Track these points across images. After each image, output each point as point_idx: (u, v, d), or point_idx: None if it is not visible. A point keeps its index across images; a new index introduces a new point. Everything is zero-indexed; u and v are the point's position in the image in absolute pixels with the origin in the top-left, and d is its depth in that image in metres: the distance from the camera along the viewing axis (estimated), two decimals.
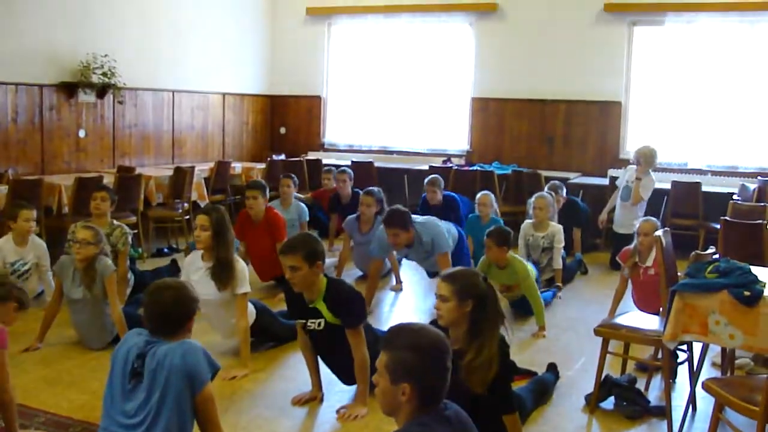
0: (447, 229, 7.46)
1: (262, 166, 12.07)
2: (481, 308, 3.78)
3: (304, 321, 5.02)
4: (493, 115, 12.36)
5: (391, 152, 13.03)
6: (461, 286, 3.79)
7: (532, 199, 8.20)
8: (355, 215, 8.35)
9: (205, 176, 10.95)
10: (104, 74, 10.21)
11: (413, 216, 7.21)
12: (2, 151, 9.36)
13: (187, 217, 10.12)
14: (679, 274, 4.98)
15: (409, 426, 2.73)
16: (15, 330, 4.99)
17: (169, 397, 3.46)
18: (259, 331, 6.13)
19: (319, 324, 4.92)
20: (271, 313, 6.34)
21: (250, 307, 5.99)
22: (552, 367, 5.62)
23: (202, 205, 9.82)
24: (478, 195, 8.77)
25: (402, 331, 2.87)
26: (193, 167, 10.46)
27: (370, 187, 8.42)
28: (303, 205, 8.96)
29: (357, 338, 4.88)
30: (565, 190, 9.44)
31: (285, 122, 13.96)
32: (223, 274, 5.69)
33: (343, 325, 4.88)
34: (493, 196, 8.90)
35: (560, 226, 8.11)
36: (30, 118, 9.68)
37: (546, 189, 9.07)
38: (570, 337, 6.61)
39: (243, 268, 5.78)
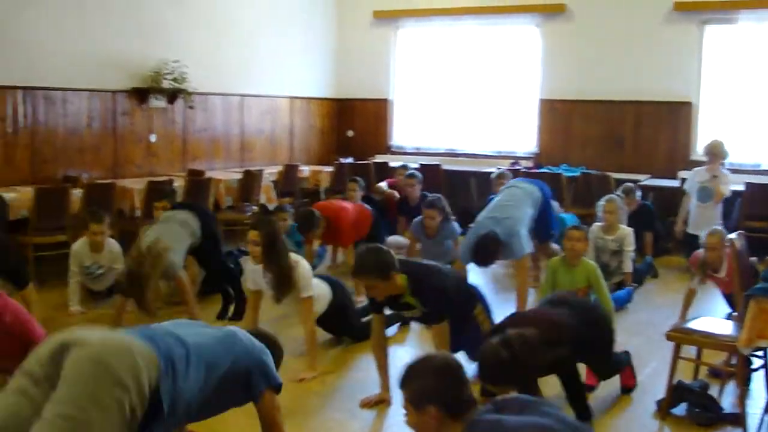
0: (532, 198, 7.43)
1: (330, 169, 12.14)
2: (523, 381, 3.74)
3: (397, 312, 5.20)
4: (561, 117, 12.25)
5: (459, 155, 12.99)
6: (502, 382, 3.73)
7: (602, 201, 8.10)
8: (421, 218, 8.34)
9: (274, 179, 11.04)
10: (175, 80, 10.37)
11: (496, 211, 7.15)
12: (77, 155, 9.56)
13: None
14: None
15: None
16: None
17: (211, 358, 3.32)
18: (335, 314, 6.18)
19: (415, 312, 5.01)
20: (347, 292, 6.40)
21: (324, 288, 6.07)
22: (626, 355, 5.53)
23: (271, 208, 9.91)
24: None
25: (408, 367, 3.03)
26: (261, 170, 10.56)
27: (431, 199, 8.36)
28: (368, 207, 9.00)
29: (441, 335, 4.96)
30: (639, 193, 9.31)
31: (352, 125, 14.01)
32: (282, 285, 5.69)
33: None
34: (555, 203, 8.83)
35: (630, 229, 8.00)
36: (103, 124, 9.87)
37: (619, 191, 8.95)
38: (640, 341, 6.52)
39: (304, 272, 5.76)
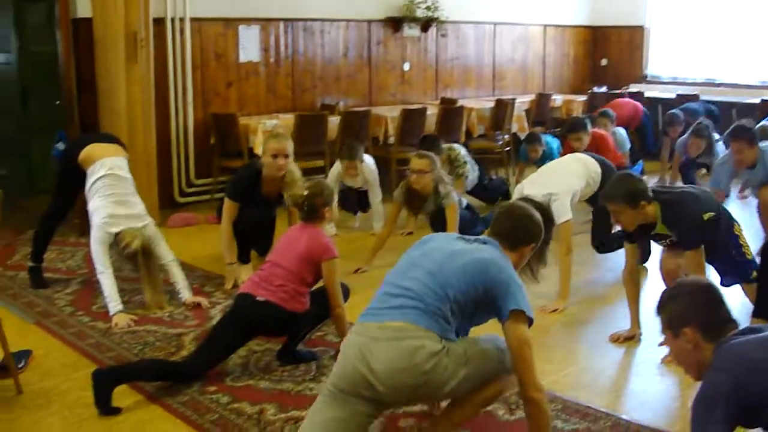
0: None
1: (583, 98, 11.89)
2: None
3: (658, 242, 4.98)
4: None
5: (718, 84, 12.33)
6: None
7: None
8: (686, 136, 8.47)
9: (526, 108, 10.95)
10: (428, 8, 10.44)
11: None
12: (334, 84, 9.87)
13: (507, 148, 10.20)
14: None
15: (706, 376, 2.69)
16: (344, 253, 5.28)
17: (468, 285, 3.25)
18: None
19: (670, 241, 4.83)
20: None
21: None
22: None
23: (522, 137, 9.86)
24: None
25: (664, 292, 2.93)
26: (513, 99, 10.49)
27: (700, 126, 8.28)
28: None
29: (696, 263, 4.71)
30: None
31: (606, 54, 13.58)
32: None
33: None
34: None
35: None
36: (359, 53, 10.12)
37: None
38: None
39: (561, 200, 5.73)
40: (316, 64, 9.70)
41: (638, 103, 10.44)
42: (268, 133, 7.22)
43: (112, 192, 5.47)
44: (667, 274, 5.19)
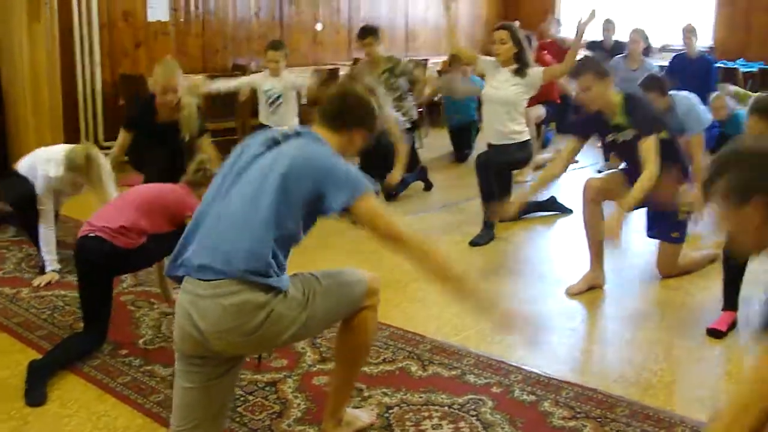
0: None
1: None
2: None
3: (609, 138, 5.01)
4: (740, 10, 11.53)
5: None
6: None
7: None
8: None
9: (439, 69, 10.96)
10: None
11: None
12: (246, 44, 9.76)
13: (420, 109, 10.18)
14: None
15: None
16: None
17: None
18: None
19: (625, 134, 4.90)
20: None
21: None
22: None
23: (436, 99, 9.86)
24: (712, 98, 8.01)
25: (723, 156, 2.42)
26: (426, 60, 10.49)
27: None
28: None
29: (650, 150, 4.73)
30: None
31: (518, 15, 13.66)
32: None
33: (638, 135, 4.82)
34: (727, 98, 8.15)
35: None
36: (271, 13, 10.01)
37: None
38: None
39: None
40: (227, 24, 9.57)
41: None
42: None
43: None
44: (588, 188, 5.11)
